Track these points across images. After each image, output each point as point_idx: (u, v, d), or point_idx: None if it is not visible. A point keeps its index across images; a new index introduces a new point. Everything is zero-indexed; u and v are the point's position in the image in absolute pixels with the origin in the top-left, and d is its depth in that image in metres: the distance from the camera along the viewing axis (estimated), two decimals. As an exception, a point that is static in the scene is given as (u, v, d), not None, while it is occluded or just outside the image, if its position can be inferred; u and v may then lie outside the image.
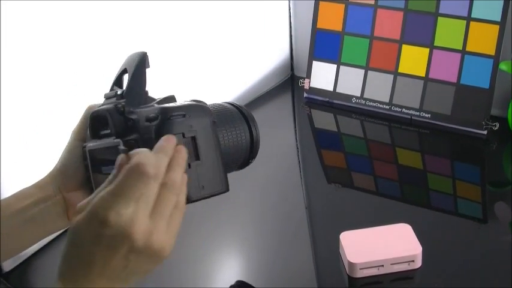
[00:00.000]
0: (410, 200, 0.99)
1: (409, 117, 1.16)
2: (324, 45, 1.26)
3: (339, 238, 0.81)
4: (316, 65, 1.26)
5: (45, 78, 0.88)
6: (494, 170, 1.05)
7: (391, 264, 0.76)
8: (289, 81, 1.39)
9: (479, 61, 1.09)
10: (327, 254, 0.85)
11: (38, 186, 0.65)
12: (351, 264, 0.77)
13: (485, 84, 1.08)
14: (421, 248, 0.77)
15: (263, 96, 1.33)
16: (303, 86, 1.28)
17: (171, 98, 0.67)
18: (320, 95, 1.26)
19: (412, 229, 0.81)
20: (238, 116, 0.72)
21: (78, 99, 0.90)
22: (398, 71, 1.17)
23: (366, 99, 1.20)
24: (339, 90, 1.24)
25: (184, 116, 0.61)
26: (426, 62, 1.14)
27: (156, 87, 1.04)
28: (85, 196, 0.58)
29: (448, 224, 0.92)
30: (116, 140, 0.60)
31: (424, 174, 1.05)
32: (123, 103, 0.61)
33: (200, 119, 0.62)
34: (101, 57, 0.94)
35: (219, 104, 0.74)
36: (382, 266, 0.76)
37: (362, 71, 1.21)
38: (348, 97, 1.22)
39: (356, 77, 1.22)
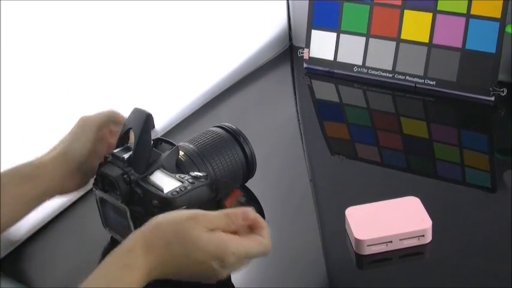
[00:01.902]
0: (416, 171, 0.98)
1: (413, 85, 1.13)
2: (323, 13, 1.22)
3: (344, 213, 0.79)
4: (315, 34, 1.24)
5: (44, 78, 0.87)
6: (502, 137, 1.03)
7: (400, 240, 0.74)
8: (287, 52, 1.36)
9: (484, 25, 1.06)
10: (333, 228, 0.84)
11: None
12: (357, 241, 0.74)
13: (492, 49, 1.06)
14: (431, 222, 0.75)
15: (261, 69, 1.30)
16: (302, 56, 1.25)
17: (175, 153, 0.76)
18: (320, 65, 1.24)
19: (420, 202, 0.79)
20: (229, 139, 0.83)
21: (77, 99, 0.91)
22: (401, 37, 1.14)
23: (367, 68, 1.18)
24: (339, 59, 1.21)
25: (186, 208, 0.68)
26: (429, 27, 1.11)
27: (154, 61, 1.05)
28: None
29: (456, 194, 0.90)
30: (123, 206, 0.72)
31: (430, 143, 1.03)
32: (130, 173, 0.71)
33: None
34: (100, 56, 0.94)
35: (210, 132, 0.84)
36: (391, 242, 0.73)
37: (363, 39, 1.18)
38: (349, 66, 1.20)
39: (357, 45, 1.19)
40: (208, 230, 0.61)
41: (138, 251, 0.59)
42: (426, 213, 0.77)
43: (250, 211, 0.64)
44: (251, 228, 0.64)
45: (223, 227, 0.62)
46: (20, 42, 0.82)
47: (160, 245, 0.60)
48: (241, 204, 0.67)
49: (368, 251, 0.74)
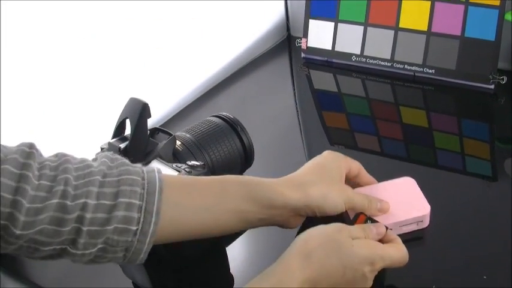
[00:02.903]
0: (416, 160, 0.97)
1: (412, 73, 1.13)
2: (320, 2, 1.21)
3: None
4: (313, 24, 1.23)
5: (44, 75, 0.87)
6: (503, 125, 1.02)
7: (400, 226, 0.74)
8: (285, 42, 1.36)
9: (483, 12, 1.05)
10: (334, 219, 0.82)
11: (276, 205, 0.67)
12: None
13: (491, 37, 1.04)
14: (429, 207, 0.75)
15: (259, 59, 1.30)
16: (300, 46, 1.24)
17: (171, 142, 0.75)
18: (318, 55, 1.23)
19: (416, 183, 0.79)
20: (226, 128, 0.82)
21: (75, 90, 0.91)
22: (399, 26, 1.13)
23: (366, 57, 1.17)
24: (337, 48, 1.20)
25: None
26: (428, 15, 1.10)
27: (153, 51, 1.04)
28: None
29: (456, 183, 0.89)
30: None
31: (430, 132, 1.02)
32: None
33: None
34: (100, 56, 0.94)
35: (207, 121, 0.83)
36: (390, 229, 0.72)
37: (361, 28, 1.17)
38: (348, 55, 1.19)
39: (355, 34, 1.18)
40: (353, 239, 0.63)
41: (295, 268, 0.59)
42: (423, 196, 0.76)
43: (381, 226, 0.67)
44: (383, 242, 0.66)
45: (362, 237, 0.64)
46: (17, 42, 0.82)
47: (318, 258, 0.60)
48: None
49: None
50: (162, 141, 0.74)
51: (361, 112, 1.11)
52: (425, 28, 1.11)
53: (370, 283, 0.63)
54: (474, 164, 0.94)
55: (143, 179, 0.57)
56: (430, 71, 1.10)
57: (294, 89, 1.22)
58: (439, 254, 0.74)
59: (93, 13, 0.92)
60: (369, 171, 0.89)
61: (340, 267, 0.60)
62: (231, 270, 0.76)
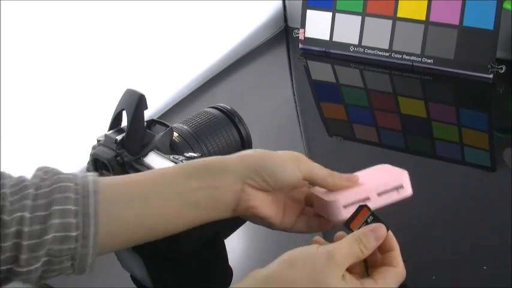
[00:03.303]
0: (415, 151, 0.96)
1: (410, 63, 1.12)
2: (318, -8, 1.21)
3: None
4: (311, 14, 1.22)
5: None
6: (501, 115, 1.02)
7: (378, 194, 0.65)
8: (283, 33, 1.35)
9: (482, 1, 1.04)
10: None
11: (208, 167, 0.60)
12: (330, 204, 0.63)
13: (490, 25, 1.04)
14: (406, 172, 0.67)
15: (256, 50, 1.29)
16: (298, 36, 1.23)
17: (169, 134, 0.74)
18: (316, 45, 1.22)
19: (391, 166, 0.71)
20: (224, 120, 0.82)
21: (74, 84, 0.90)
22: (397, 15, 1.13)
23: (364, 47, 1.16)
24: (335, 39, 1.19)
25: None
26: (426, 5, 1.10)
27: (150, 43, 1.04)
28: (268, 200, 0.63)
29: (455, 173, 0.89)
30: None
31: (428, 122, 1.02)
32: (123, 155, 0.70)
33: None
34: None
35: (204, 113, 0.82)
36: (369, 198, 0.64)
37: (359, 18, 1.16)
38: (346, 46, 1.18)
39: (353, 24, 1.17)
40: (343, 277, 0.54)
41: None
42: (399, 168, 0.69)
43: (381, 228, 0.59)
44: (380, 250, 0.59)
45: (356, 257, 0.56)
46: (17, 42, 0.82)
47: None
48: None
49: (346, 213, 0.63)
50: (159, 133, 0.74)
51: (360, 103, 1.11)
52: (423, 17, 1.10)
53: None
54: (473, 154, 0.94)
55: (76, 184, 0.55)
56: (429, 60, 1.10)
57: (292, 80, 1.22)
58: (438, 244, 0.74)
59: (88, 3, 0.92)
60: (367, 163, 0.88)
61: None
62: (230, 263, 0.75)
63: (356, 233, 0.57)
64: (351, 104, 1.11)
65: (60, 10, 0.87)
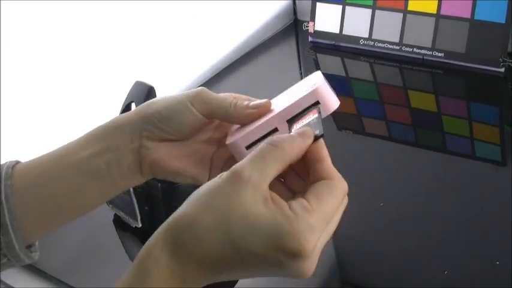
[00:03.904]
0: (425, 145, 0.96)
1: (421, 57, 1.11)
2: (328, -15, 1.20)
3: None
4: (320, 7, 1.21)
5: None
6: (513, 109, 1.01)
7: (288, 122, 0.48)
8: (292, 26, 1.34)
9: (494, -6, 1.04)
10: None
11: (106, 129, 0.52)
12: (230, 148, 0.50)
13: (501, 19, 1.03)
14: (322, 84, 0.48)
15: (266, 43, 1.29)
16: (308, 29, 1.23)
17: None
18: (326, 38, 1.21)
19: (316, 76, 0.51)
20: None
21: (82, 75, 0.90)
22: (408, 8, 1.12)
23: (374, 41, 1.15)
24: (345, 32, 1.19)
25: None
26: (437, -2, 1.09)
27: (161, 36, 1.03)
28: (175, 152, 0.52)
29: (465, 168, 0.88)
30: None
31: (438, 117, 1.01)
32: None
33: None
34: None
35: None
36: (277, 129, 0.49)
37: (369, 11, 1.16)
38: (355, 39, 1.18)
39: (363, 17, 1.16)
40: (263, 198, 0.40)
41: (158, 252, 0.40)
42: (324, 82, 0.49)
43: (308, 131, 0.44)
44: (306, 163, 0.44)
45: (277, 169, 0.41)
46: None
47: (189, 239, 0.40)
48: None
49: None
50: None
51: (369, 96, 1.10)
52: (434, 11, 1.09)
53: (310, 266, 0.40)
54: (483, 149, 0.93)
55: None
56: (439, 54, 1.09)
57: (301, 73, 1.21)
58: (450, 239, 0.73)
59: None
60: (377, 156, 0.88)
61: (230, 251, 0.40)
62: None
63: (267, 140, 0.43)
64: (361, 97, 1.11)
65: (62, 9, 0.87)
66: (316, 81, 0.49)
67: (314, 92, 0.47)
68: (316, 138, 0.44)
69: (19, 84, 0.84)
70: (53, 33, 0.86)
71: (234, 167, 0.41)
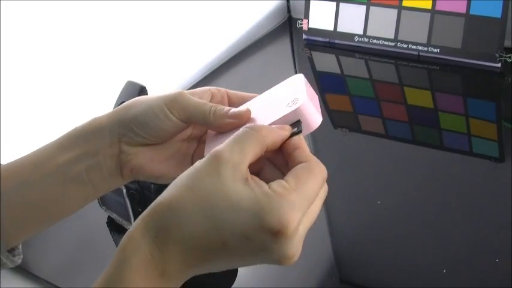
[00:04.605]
0: (422, 142, 0.95)
1: (417, 53, 1.11)
2: (321, -18, 1.19)
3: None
4: (314, 4, 1.20)
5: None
6: (510, 105, 1.00)
7: None
8: (286, 24, 1.34)
9: (489, -11, 1.03)
10: (338, 206, 0.80)
11: (84, 132, 0.51)
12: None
13: (497, 14, 1.02)
14: (305, 98, 0.45)
15: (259, 41, 1.28)
16: (302, 27, 1.22)
17: None
18: (320, 36, 1.21)
19: (299, 81, 0.49)
20: None
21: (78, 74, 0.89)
22: (403, 4, 1.11)
23: (369, 37, 1.15)
24: (339, 29, 1.18)
25: None
26: (432, -7, 1.08)
27: (154, 35, 1.03)
28: (156, 156, 0.51)
29: (463, 164, 0.88)
30: None
31: (435, 113, 1.00)
32: None
33: None
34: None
35: None
36: None
37: (363, 7, 1.15)
38: (350, 36, 1.17)
39: (357, 14, 1.16)
40: (243, 178, 0.40)
41: (139, 237, 0.40)
42: (304, 90, 0.46)
43: (286, 126, 0.44)
44: (285, 153, 0.44)
45: (255, 151, 0.41)
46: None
47: (170, 221, 0.39)
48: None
49: None
50: None
51: (365, 94, 1.09)
52: (429, 6, 1.08)
53: (294, 249, 0.40)
54: (481, 145, 0.92)
55: None
56: (435, 50, 1.08)
57: (296, 71, 1.20)
58: (448, 236, 0.72)
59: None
60: (374, 154, 0.87)
61: (214, 235, 0.39)
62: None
63: (246, 124, 0.44)
64: (356, 95, 1.10)
65: (54, 8, 0.86)
66: (298, 89, 0.47)
67: (296, 111, 0.45)
68: (294, 134, 0.43)
69: (13, 83, 0.83)
70: (45, 32, 0.86)
71: (213, 150, 0.41)
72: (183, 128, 0.51)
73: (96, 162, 0.50)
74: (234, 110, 0.49)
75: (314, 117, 0.45)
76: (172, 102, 0.49)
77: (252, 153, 0.41)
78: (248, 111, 0.49)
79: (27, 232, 0.52)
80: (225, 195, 0.39)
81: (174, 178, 0.46)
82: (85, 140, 0.50)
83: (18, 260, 0.52)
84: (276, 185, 0.40)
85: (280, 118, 0.45)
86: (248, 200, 0.39)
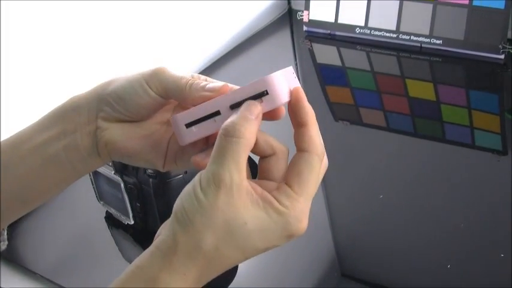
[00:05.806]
0: (424, 135, 0.94)
1: (419, 44, 1.10)
2: (322, -27, 1.19)
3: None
4: (315, -5, 1.20)
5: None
6: (513, 96, 0.99)
7: (231, 107, 0.46)
8: (286, 16, 1.33)
9: (492, -21, 1.02)
10: (338, 201, 0.80)
11: (63, 110, 0.50)
12: (173, 122, 0.47)
13: (501, 5, 1.01)
14: (277, 74, 0.45)
15: (259, 33, 1.27)
16: (302, 19, 1.21)
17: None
18: (321, 28, 1.20)
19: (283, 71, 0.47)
20: None
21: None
22: (405, -5, 1.10)
23: (370, 29, 1.14)
24: (340, 20, 1.17)
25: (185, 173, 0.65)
26: (434, -16, 1.08)
27: (155, 28, 1.02)
28: (131, 133, 0.50)
29: (465, 157, 0.87)
30: (116, 178, 0.71)
31: (437, 105, 0.99)
32: None
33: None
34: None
35: None
36: (218, 112, 0.46)
37: (365, -2, 1.14)
38: (351, 27, 1.16)
39: (359, 5, 1.15)
40: (250, 199, 0.42)
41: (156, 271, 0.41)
42: (282, 71, 0.47)
43: (255, 107, 0.45)
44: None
45: (246, 158, 0.42)
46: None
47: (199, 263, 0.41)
48: None
49: (191, 135, 0.47)
50: None
51: (366, 86, 1.08)
52: (431, -3, 1.08)
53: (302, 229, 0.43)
54: (484, 137, 0.92)
55: None
56: (438, 41, 1.07)
57: (296, 64, 1.20)
58: (451, 230, 0.72)
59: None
60: (375, 147, 0.86)
61: (237, 252, 0.42)
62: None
63: (225, 132, 0.42)
64: (358, 87, 1.09)
65: (54, 5, 0.86)
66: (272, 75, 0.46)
67: (263, 80, 0.45)
68: (257, 97, 0.44)
69: (13, 83, 0.83)
70: (46, 30, 0.86)
71: (212, 173, 0.41)
72: (161, 104, 0.50)
73: (73, 140, 0.49)
74: (210, 84, 0.48)
75: (282, 91, 0.45)
76: (151, 77, 0.48)
77: (244, 161, 0.42)
78: (225, 86, 0.47)
79: (8, 217, 0.51)
80: (243, 223, 0.41)
81: (146, 159, 0.50)
82: (63, 118, 0.50)
83: (3, 246, 0.52)
84: (283, 198, 0.42)
85: (248, 85, 0.45)
86: (265, 222, 0.41)
